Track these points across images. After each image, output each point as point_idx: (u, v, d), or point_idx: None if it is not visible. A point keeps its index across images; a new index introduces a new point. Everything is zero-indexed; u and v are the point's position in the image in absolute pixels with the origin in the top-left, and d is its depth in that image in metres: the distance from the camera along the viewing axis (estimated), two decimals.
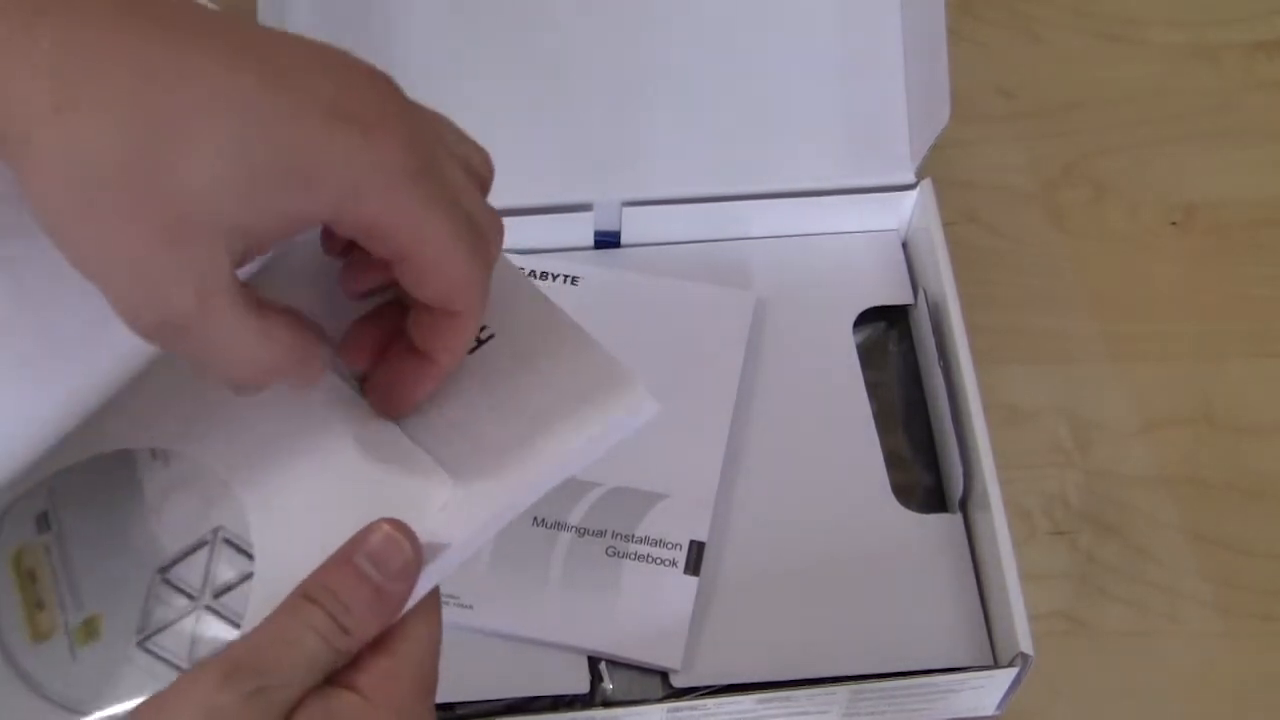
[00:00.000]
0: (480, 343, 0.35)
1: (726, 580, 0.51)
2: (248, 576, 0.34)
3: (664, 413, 0.53)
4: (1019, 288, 0.60)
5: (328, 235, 0.34)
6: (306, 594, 0.32)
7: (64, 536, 0.35)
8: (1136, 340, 0.58)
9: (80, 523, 0.36)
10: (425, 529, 0.33)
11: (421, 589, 0.32)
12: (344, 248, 0.34)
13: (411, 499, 0.34)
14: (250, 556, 0.34)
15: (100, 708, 0.33)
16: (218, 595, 0.34)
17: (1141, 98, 0.65)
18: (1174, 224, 0.61)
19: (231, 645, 0.31)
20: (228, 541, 0.34)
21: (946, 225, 0.55)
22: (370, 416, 0.35)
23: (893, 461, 0.54)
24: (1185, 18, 0.67)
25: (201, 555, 0.34)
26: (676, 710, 0.47)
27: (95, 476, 0.36)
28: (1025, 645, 0.46)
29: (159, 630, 0.34)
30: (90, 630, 0.34)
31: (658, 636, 0.49)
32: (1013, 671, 0.47)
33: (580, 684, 0.49)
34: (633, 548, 0.50)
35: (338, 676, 0.31)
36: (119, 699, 0.33)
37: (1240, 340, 0.58)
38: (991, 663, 0.49)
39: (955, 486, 0.51)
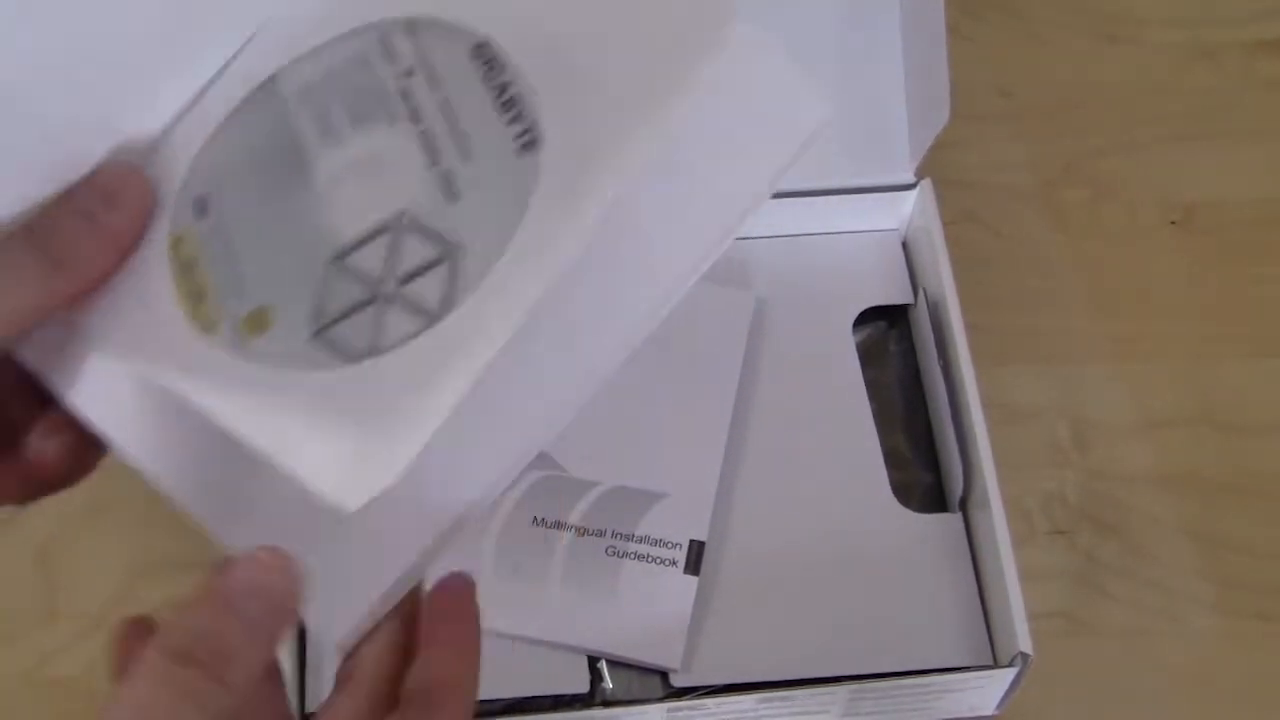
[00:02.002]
0: None
1: (726, 580, 0.51)
2: (436, 263, 0.31)
3: (663, 412, 0.53)
4: (1018, 287, 0.60)
5: None
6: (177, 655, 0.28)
7: (224, 223, 0.33)
8: (1136, 339, 0.59)
9: (241, 209, 0.33)
10: None
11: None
12: None
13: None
14: (447, 243, 0.31)
15: (274, 401, 0.31)
16: (403, 282, 0.31)
17: (1141, 97, 0.65)
18: (1173, 223, 0.61)
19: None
20: (414, 228, 0.31)
21: (946, 225, 0.55)
22: None
23: (892, 461, 0.54)
24: (1185, 17, 0.67)
25: (382, 241, 0.32)
26: (676, 710, 0.47)
27: (258, 162, 0.34)
28: (1024, 645, 0.46)
29: (336, 321, 0.31)
30: (258, 321, 0.32)
31: (657, 636, 0.49)
32: (1012, 671, 0.47)
33: (580, 683, 0.49)
34: (633, 547, 0.50)
35: None
36: (292, 394, 0.31)
37: (1240, 340, 0.58)
38: (991, 662, 0.49)
39: (955, 486, 0.51)
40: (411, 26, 0.34)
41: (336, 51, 0.34)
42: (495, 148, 0.32)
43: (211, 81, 0.35)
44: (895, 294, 0.57)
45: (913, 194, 0.56)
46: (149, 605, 0.34)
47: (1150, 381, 0.57)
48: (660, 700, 0.48)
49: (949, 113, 0.53)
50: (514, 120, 0.32)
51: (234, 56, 0.35)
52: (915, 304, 0.56)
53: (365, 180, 0.32)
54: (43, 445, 0.34)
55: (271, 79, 0.34)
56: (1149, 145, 0.63)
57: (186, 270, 0.33)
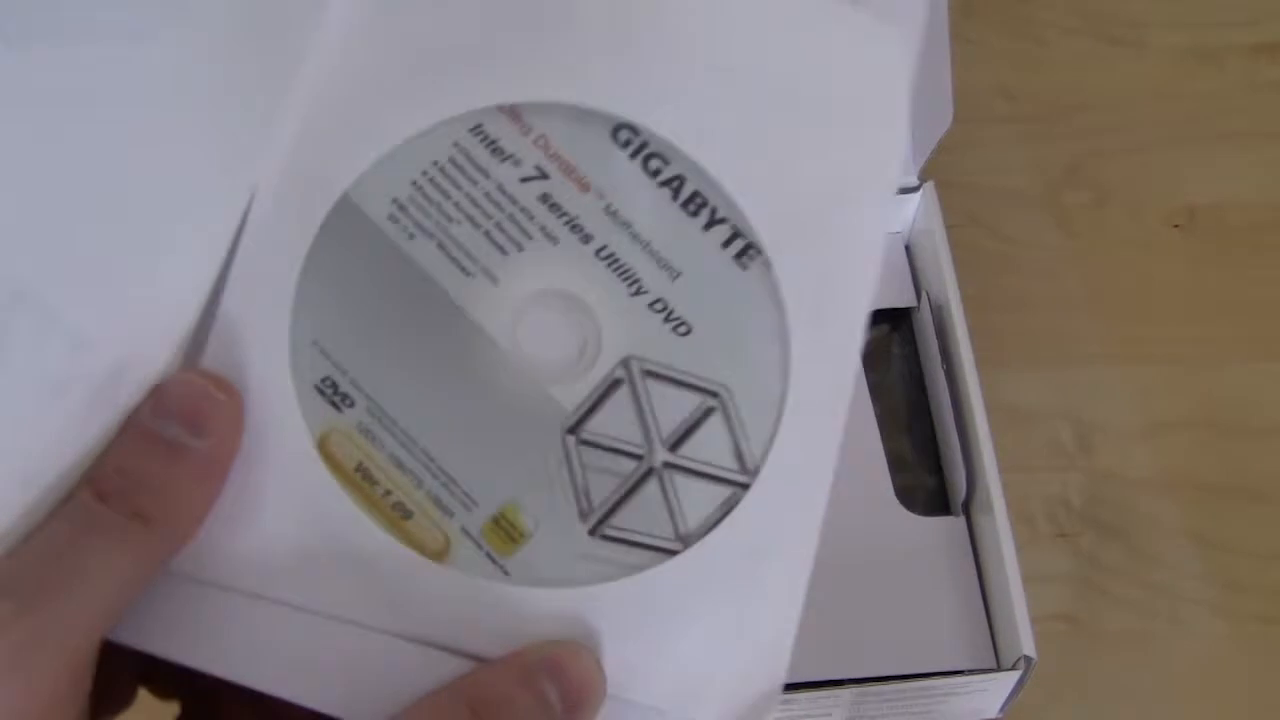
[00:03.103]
0: None
1: None
2: (705, 415, 0.26)
3: None
4: (1021, 290, 0.60)
5: None
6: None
7: (385, 408, 0.26)
8: (1139, 343, 0.58)
9: (402, 385, 0.26)
10: None
11: None
12: None
13: None
14: (706, 392, 0.26)
15: (594, 628, 0.25)
16: (675, 446, 0.26)
17: (1144, 100, 0.65)
18: (1177, 226, 0.61)
19: None
20: (655, 376, 0.26)
21: (949, 228, 0.55)
22: None
23: (895, 464, 0.54)
24: (1187, 20, 0.67)
25: (621, 400, 0.26)
26: None
27: (388, 316, 0.26)
28: (1028, 648, 0.46)
29: (615, 508, 0.26)
30: (507, 530, 0.26)
31: None
32: (1015, 674, 0.47)
33: None
34: None
35: None
36: (608, 613, 0.25)
37: (1243, 343, 0.58)
38: (994, 665, 0.49)
39: (958, 489, 0.51)
40: (515, 114, 0.27)
41: (414, 156, 0.27)
42: (704, 262, 0.26)
43: (244, 221, 0.27)
44: (898, 297, 0.57)
45: (916, 197, 0.56)
46: None
47: (1153, 384, 0.57)
48: None
49: (952, 116, 0.53)
50: (711, 224, 0.26)
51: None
52: (918, 307, 0.56)
53: (555, 325, 0.26)
54: None
55: (344, 201, 0.26)
56: (1151, 148, 0.63)
57: (363, 481, 0.26)
